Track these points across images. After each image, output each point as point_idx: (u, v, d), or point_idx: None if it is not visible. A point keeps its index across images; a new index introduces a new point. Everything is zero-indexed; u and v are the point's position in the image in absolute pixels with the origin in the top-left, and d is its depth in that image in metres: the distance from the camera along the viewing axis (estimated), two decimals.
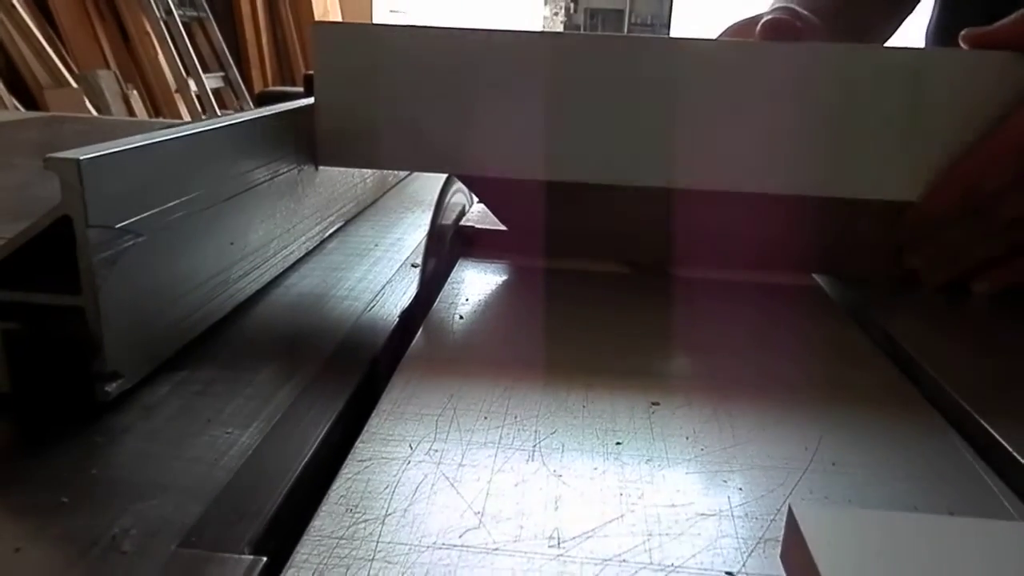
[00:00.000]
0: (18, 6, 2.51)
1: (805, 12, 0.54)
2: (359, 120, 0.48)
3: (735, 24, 0.56)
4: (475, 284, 0.51)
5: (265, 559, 0.24)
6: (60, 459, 0.30)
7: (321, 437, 0.32)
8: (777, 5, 0.59)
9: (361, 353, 0.40)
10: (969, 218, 0.46)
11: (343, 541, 0.25)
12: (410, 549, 0.25)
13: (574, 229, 0.54)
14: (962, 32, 0.46)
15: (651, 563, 0.25)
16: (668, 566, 0.24)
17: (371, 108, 0.48)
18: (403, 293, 0.49)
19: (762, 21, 0.48)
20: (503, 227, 0.58)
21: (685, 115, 0.46)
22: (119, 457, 0.30)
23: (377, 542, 0.25)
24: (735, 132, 0.46)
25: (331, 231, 0.61)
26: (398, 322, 0.44)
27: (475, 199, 0.65)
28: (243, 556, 0.25)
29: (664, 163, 0.47)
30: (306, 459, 0.30)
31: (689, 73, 0.46)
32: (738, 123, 0.46)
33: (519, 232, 0.56)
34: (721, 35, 0.57)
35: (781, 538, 0.23)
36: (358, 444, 0.31)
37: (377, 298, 0.48)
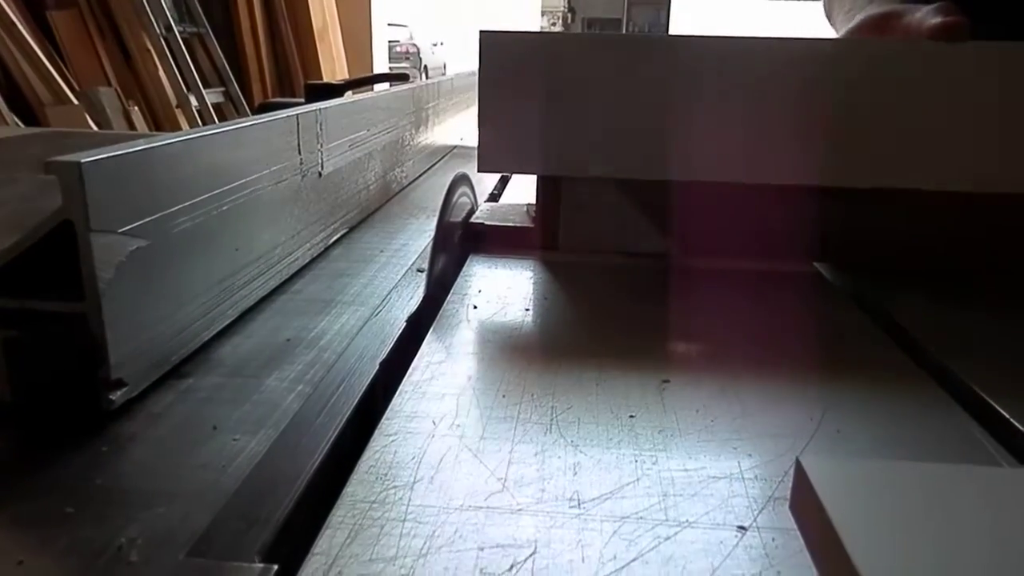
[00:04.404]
0: (18, 24, 2.51)
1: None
2: (519, 127, 0.48)
3: (865, 20, 0.55)
4: (486, 277, 0.51)
5: (276, 567, 0.24)
6: (64, 469, 0.29)
7: (331, 442, 0.31)
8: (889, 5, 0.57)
9: (369, 357, 0.39)
10: None
11: (375, 505, 0.26)
12: (439, 511, 0.26)
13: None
14: None
15: (667, 520, 0.26)
16: (683, 522, 0.26)
17: (531, 115, 0.48)
18: (409, 298, 0.48)
19: (935, 23, 0.47)
20: (511, 224, 0.58)
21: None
22: (125, 466, 0.29)
23: (408, 505, 0.26)
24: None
25: (336, 237, 0.61)
26: (405, 327, 0.44)
27: (481, 199, 0.65)
28: (254, 564, 0.24)
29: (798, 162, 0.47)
30: (316, 464, 0.29)
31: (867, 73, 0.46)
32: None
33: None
34: (850, 32, 0.56)
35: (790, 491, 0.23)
36: (383, 421, 0.32)
37: (384, 303, 0.47)
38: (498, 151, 0.49)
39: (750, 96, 0.46)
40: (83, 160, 0.30)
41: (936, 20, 0.47)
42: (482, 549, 0.24)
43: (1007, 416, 0.33)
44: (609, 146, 0.48)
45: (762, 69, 0.46)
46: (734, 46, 0.46)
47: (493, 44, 0.47)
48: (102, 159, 0.31)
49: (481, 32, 0.47)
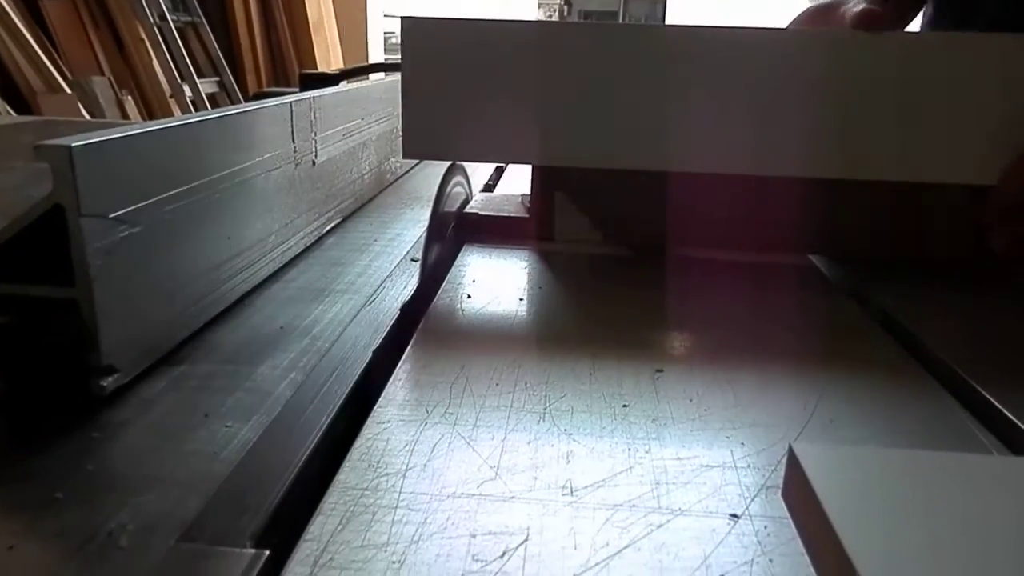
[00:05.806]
0: (11, 12, 2.49)
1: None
2: (444, 114, 0.47)
3: (807, 11, 0.56)
4: (481, 266, 0.51)
5: (268, 552, 0.23)
6: (54, 455, 0.29)
7: (323, 430, 0.31)
8: None
9: (362, 346, 0.39)
10: None
11: (367, 492, 0.26)
12: (431, 498, 0.26)
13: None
14: None
15: (659, 508, 0.26)
16: (676, 510, 0.26)
17: (456, 102, 0.47)
18: (403, 286, 0.48)
19: (856, 11, 0.48)
20: (505, 214, 0.58)
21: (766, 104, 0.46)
22: (116, 452, 0.29)
23: (400, 492, 0.26)
24: (817, 120, 0.46)
25: (329, 227, 0.61)
26: (399, 315, 0.44)
27: (475, 190, 0.65)
28: (245, 550, 0.24)
29: (733, 151, 0.47)
30: (308, 452, 0.29)
31: (772, 64, 0.46)
32: (816, 112, 0.46)
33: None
34: (793, 22, 0.57)
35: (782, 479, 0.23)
36: (376, 408, 0.32)
37: (377, 292, 0.47)
38: (422, 139, 0.49)
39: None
40: (73, 144, 0.30)
41: (856, 9, 0.48)
42: (474, 536, 0.24)
43: (998, 405, 0.33)
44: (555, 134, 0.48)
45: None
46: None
47: (416, 29, 0.46)
48: (93, 143, 0.31)
49: (403, 18, 0.47)
